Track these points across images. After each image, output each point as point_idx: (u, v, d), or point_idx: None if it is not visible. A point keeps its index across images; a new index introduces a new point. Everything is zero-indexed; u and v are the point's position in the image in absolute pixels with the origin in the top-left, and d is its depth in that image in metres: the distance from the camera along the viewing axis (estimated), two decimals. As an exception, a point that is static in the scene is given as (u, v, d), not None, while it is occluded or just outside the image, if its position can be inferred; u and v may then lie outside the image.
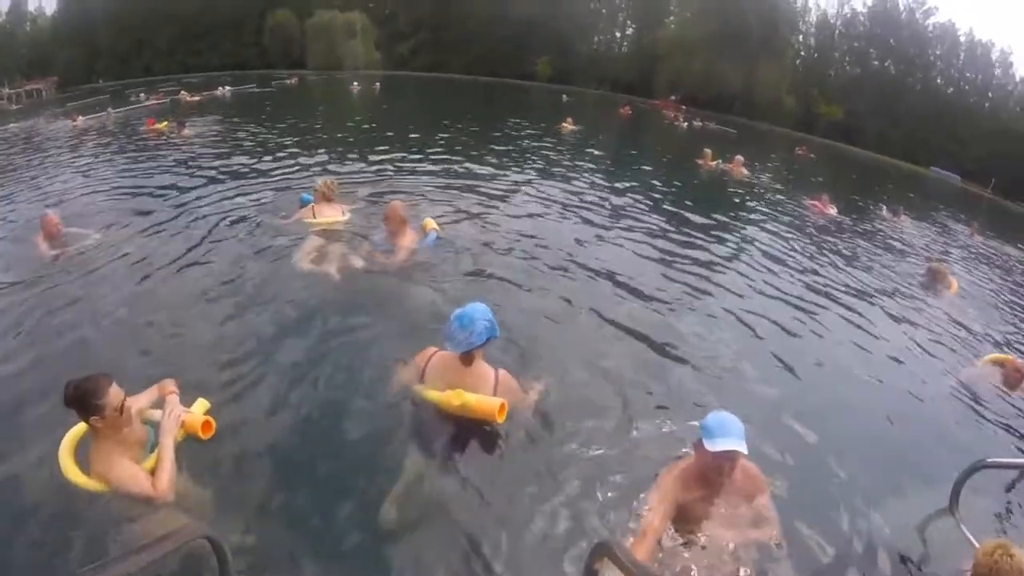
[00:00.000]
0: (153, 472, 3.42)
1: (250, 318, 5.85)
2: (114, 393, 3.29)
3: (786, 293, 8.09)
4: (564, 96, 47.87)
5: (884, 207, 18.02)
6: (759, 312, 7.11)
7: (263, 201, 10.19)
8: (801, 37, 72.05)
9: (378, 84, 46.53)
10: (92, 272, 6.92)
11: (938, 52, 66.74)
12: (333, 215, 8.35)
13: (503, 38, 74.88)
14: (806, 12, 71.52)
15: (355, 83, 44.76)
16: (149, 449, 3.57)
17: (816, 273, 9.49)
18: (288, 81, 48.38)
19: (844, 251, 11.71)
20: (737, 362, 5.77)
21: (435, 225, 7.75)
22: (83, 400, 3.22)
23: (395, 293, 6.36)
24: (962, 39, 66.45)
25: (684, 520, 3.50)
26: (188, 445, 3.69)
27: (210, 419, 3.76)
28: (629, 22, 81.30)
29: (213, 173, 12.53)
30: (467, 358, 4.18)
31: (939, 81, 66.45)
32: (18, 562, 3.31)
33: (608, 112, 41.34)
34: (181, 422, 3.67)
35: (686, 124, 39.25)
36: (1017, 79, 65.19)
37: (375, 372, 4.87)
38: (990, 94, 65.00)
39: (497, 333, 4.22)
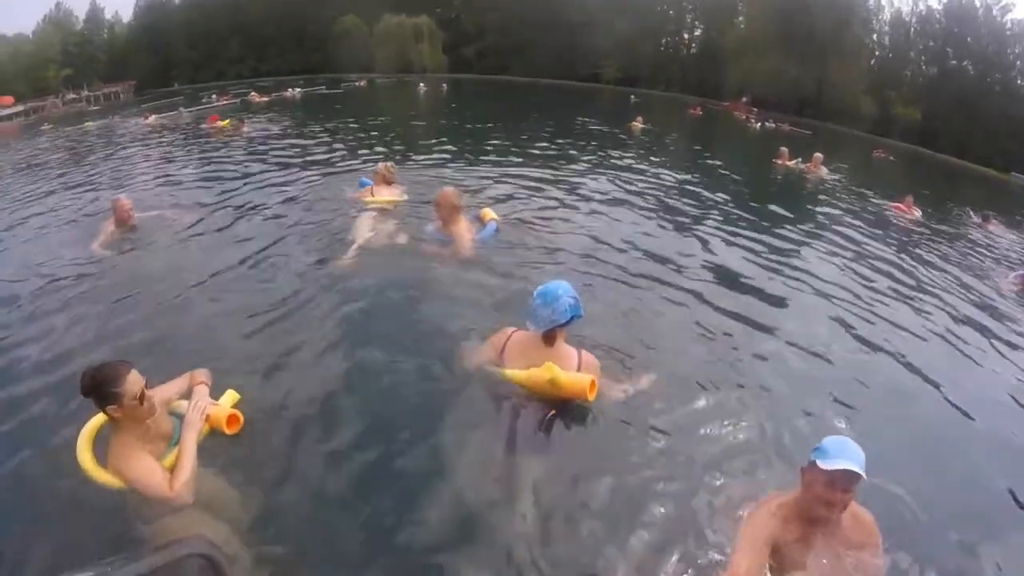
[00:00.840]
0: (172, 470, 3.20)
1: (302, 299, 5.62)
2: (133, 381, 3.07)
3: (875, 305, 7.24)
4: (632, 97, 47.51)
5: (972, 212, 17.00)
6: (842, 325, 6.37)
7: (323, 187, 10.34)
8: (875, 36, 69.15)
9: (445, 85, 46.87)
10: (157, 256, 6.99)
11: (1017, 51, 62.10)
12: (391, 195, 8.40)
13: (568, 41, 74.64)
14: (879, 10, 68.44)
15: (422, 84, 45.10)
16: (174, 444, 3.35)
17: (907, 282, 8.62)
18: (357, 83, 49.18)
19: (934, 258, 10.78)
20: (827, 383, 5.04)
21: (494, 215, 7.25)
22: (100, 388, 3.01)
23: (452, 278, 5.96)
24: None
25: (776, 567, 2.91)
26: (223, 441, 3.50)
27: (237, 412, 3.55)
28: (697, 23, 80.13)
29: (275, 165, 13.05)
30: (550, 338, 3.94)
31: (1020, 82, 61.64)
32: (14, 556, 3.10)
33: (678, 113, 41.04)
34: (206, 416, 3.46)
35: (759, 125, 38.60)
36: None
37: (439, 354, 4.54)
38: None
39: (582, 312, 3.98)
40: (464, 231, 6.69)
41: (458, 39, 78.34)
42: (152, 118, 24.44)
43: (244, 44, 79.50)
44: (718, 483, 3.61)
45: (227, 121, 19.71)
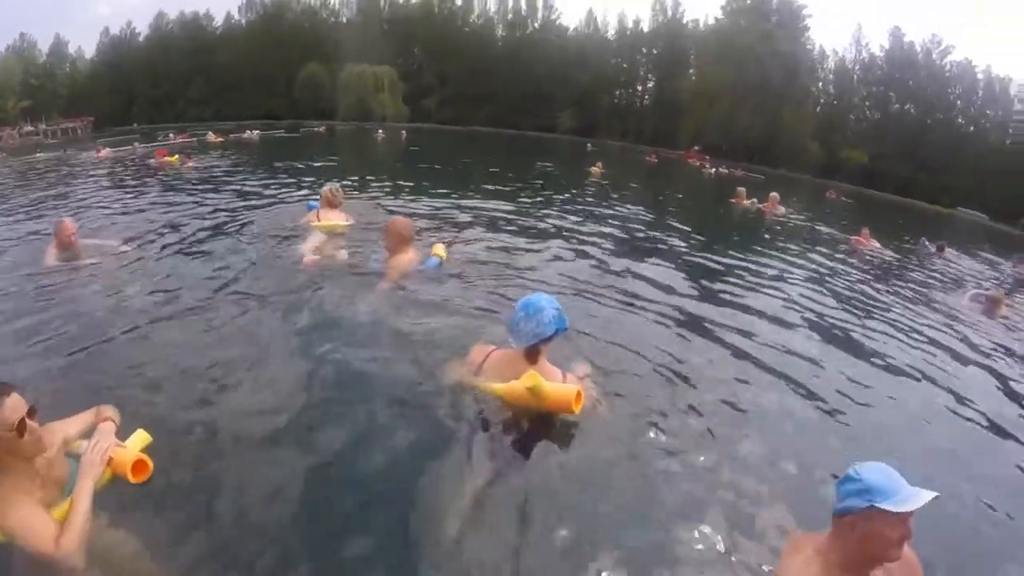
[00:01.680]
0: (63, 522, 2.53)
1: (239, 328, 5.00)
2: (10, 407, 2.43)
3: (847, 331, 6.90)
4: (588, 145, 48.21)
5: (927, 242, 17.11)
6: (819, 355, 5.86)
7: (271, 215, 10.00)
8: (820, 84, 71.50)
9: (404, 132, 46.69)
10: (94, 282, 6.34)
11: (958, 91, 64.87)
12: (336, 219, 8.14)
13: (526, 92, 76.14)
14: (824, 59, 70.94)
15: (380, 131, 45.07)
16: (69, 491, 2.66)
17: (875, 308, 8.35)
18: (316, 129, 48.81)
19: (898, 285, 10.77)
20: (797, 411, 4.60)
21: (443, 252, 6.60)
22: None
23: (374, 306, 5.44)
24: (980, 76, 64.55)
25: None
26: (129, 489, 2.80)
27: (145, 458, 2.81)
28: (650, 75, 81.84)
29: (224, 197, 12.67)
30: (532, 354, 3.60)
31: (960, 120, 64.55)
32: None
33: (634, 161, 41.32)
34: (108, 459, 2.76)
35: (713, 171, 38.99)
36: None
37: (400, 374, 4.17)
38: (1011, 130, 62.65)
39: (566, 325, 3.66)
40: (403, 261, 6.18)
41: (419, 90, 79.03)
42: (105, 151, 24.09)
43: (206, 86, 79.71)
44: (709, 512, 3.17)
45: (175, 156, 19.47)
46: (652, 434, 3.80)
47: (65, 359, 4.43)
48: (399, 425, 3.63)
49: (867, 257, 13.21)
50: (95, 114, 65.87)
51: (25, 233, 8.99)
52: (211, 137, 33.82)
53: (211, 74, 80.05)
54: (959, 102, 65.24)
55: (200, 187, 14.31)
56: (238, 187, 14.43)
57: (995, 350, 7.34)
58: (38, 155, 27.36)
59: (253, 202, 11.83)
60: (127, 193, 13.83)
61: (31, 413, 2.49)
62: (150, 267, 6.87)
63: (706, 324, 6.11)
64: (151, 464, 2.80)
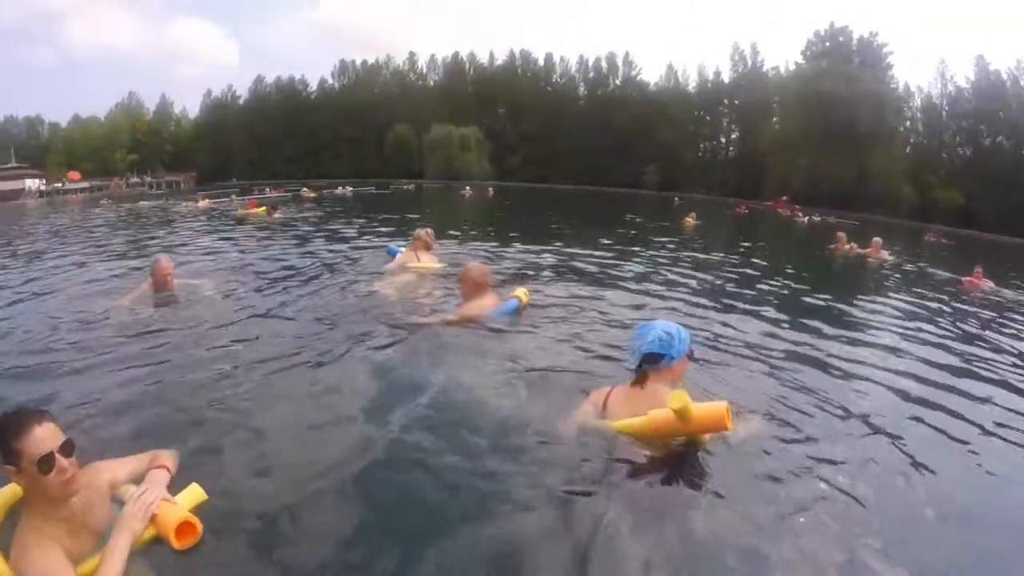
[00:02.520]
0: None
1: (326, 384, 4.56)
2: (40, 437, 2.16)
3: (969, 383, 5.78)
4: (676, 199, 47.70)
5: None
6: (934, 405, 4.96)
7: (361, 261, 10.10)
8: (908, 123, 69.21)
9: (491, 189, 47.26)
10: (188, 322, 6.15)
11: None
12: (430, 261, 8.27)
13: (609, 148, 76.58)
14: (909, 96, 68.73)
15: (467, 188, 45.64)
16: (104, 542, 2.31)
17: (998, 355, 7.18)
18: (406, 187, 50.00)
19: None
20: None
21: (524, 295, 6.20)
22: None
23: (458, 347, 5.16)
24: None
25: None
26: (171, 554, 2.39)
27: (193, 519, 2.42)
28: (734, 126, 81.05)
29: (314, 245, 12.96)
30: (640, 379, 3.43)
31: None
32: None
33: (723, 212, 40.63)
34: (151, 514, 2.39)
35: (806, 219, 37.90)
36: None
37: (504, 424, 3.73)
38: None
39: (675, 352, 3.41)
40: (475, 307, 5.87)
41: (504, 149, 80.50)
42: (204, 202, 25.70)
43: (300, 146, 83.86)
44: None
45: (262, 208, 20.23)
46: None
47: (139, 396, 4.17)
48: (518, 483, 3.09)
49: (982, 299, 12.12)
50: (196, 170, 69.94)
51: (127, 269, 9.41)
52: (305, 192, 35.02)
53: (305, 135, 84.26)
54: None
55: (292, 236, 14.71)
56: (329, 235, 14.92)
57: None
58: (142, 203, 29.71)
59: (342, 248, 12.10)
60: (220, 240, 14.33)
61: (66, 448, 2.18)
62: (240, 311, 6.66)
63: (822, 371, 5.46)
64: (200, 528, 2.39)
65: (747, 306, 8.44)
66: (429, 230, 8.78)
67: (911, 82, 73.55)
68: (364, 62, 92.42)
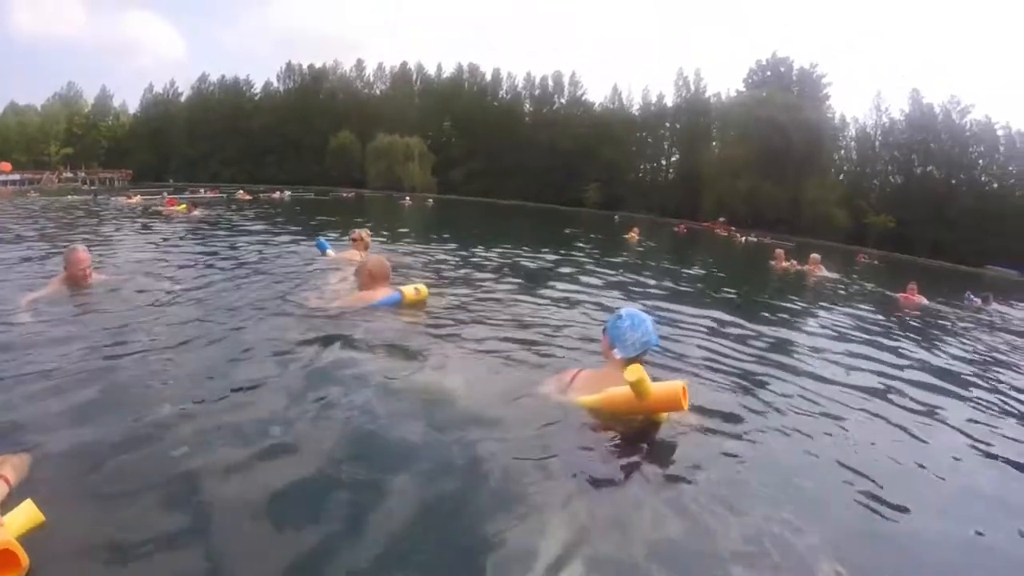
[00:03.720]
0: None
1: (251, 364, 4.13)
2: None
3: (915, 393, 5.43)
4: (616, 217, 47.96)
5: (971, 296, 16.40)
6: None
7: (282, 257, 9.74)
8: (843, 151, 71.69)
9: (431, 201, 47.02)
10: (104, 319, 5.24)
11: (980, 149, 64.45)
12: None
13: (553, 166, 76.99)
14: (845, 126, 71.14)
15: (407, 198, 45.23)
16: None
17: (939, 364, 7.15)
18: (345, 194, 49.30)
19: (957, 338, 9.71)
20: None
21: (410, 291, 5.75)
22: None
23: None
24: (1000, 133, 63.87)
25: None
26: None
27: (16, 549, 1.84)
28: (674, 148, 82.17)
29: (242, 243, 12.16)
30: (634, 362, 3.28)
31: (983, 178, 64.18)
32: None
33: (663, 231, 41.02)
34: None
35: (743, 239, 39.03)
36: None
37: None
38: None
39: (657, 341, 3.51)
40: (366, 296, 5.65)
41: (448, 161, 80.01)
42: (136, 198, 25.22)
43: (242, 149, 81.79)
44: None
45: (183, 205, 20.27)
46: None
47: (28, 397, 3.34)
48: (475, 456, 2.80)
49: (917, 315, 12.28)
50: (133, 168, 67.66)
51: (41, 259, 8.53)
52: (241, 195, 34.45)
53: (247, 137, 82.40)
54: (981, 160, 64.82)
55: (219, 235, 14.05)
56: (258, 234, 14.34)
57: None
58: (69, 197, 28.61)
59: (271, 245, 11.62)
60: (141, 238, 13.49)
61: None
62: (159, 308, 5.77)
63: (766, 382, 5.10)
64: (25, 561, 1.83)
65: (692, 311, 8.10)
66: (366, 230, 8.64)
67: (847, 112, 75.98)
68: (311, 66, 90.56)
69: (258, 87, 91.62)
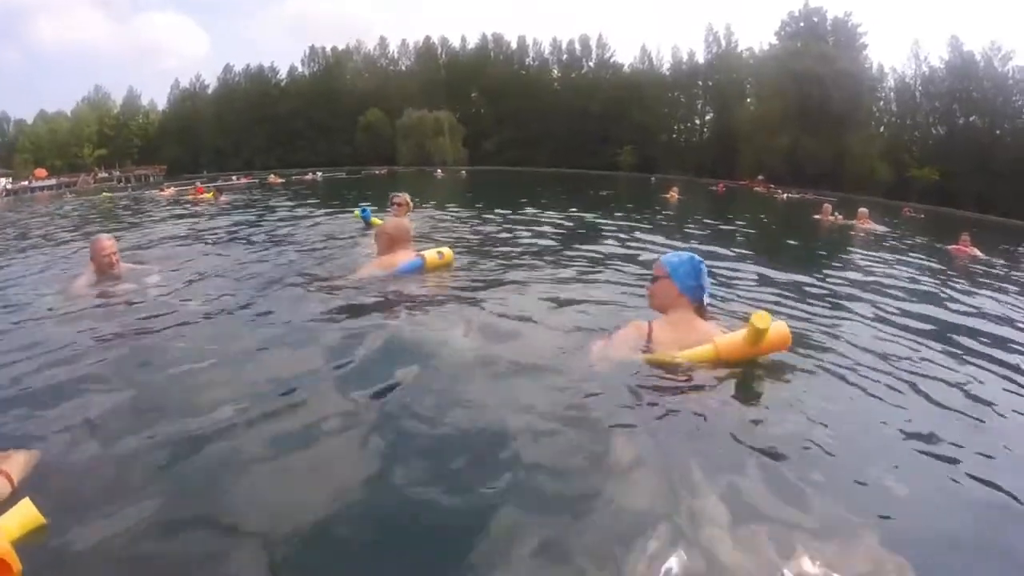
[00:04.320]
0: None
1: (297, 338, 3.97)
2: None
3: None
4: (652, 179, 47.39)
5: None
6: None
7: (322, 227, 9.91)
8: (883, 103, 69.57)
9: (464, 172, 46.76)
10: (133, 311, 5.06)
11: None
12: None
13: (585, 131, 76.43)
14: (883, 77, 68.86)
15: (439, 171, 45.31)
16: None
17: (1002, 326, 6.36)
18: (377, 172, 49.40)
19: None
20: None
21: (433, 255, 5.56)
22: None
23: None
24: None
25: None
26: None
27: (9, 554, 1.61)
28: (708, 107, 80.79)
29: (277, 223, 12.24)
30: (702, 309, 3.39)
31: None
32: None
33: (702, 191, 40.28)
34: None
35: (784, 196, 37.85)
36: None
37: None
38: None
39: None
40: (386, 262, 5.46)
41: (479, 133, 79.74)
42: (169, 190, 25.35)
43: (271, 135, 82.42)
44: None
45: (211, 192, 20.10)
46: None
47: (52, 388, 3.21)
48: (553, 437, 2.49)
49: (972, 267, 11.78)
50: (167, 162, 68.52)
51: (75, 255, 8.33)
52: (272, 179, 34.93)
53: (276, 123, 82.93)
54: None
55: (253, 217, 13.96)
56: (289, 214, 14.38)
57: None
58: (104, 194, 29.30)
59: (299, 224, 11.49)
60: (172, 225, 13.35)
61: None
62: (178, 295, 5.58)
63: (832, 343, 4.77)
64: (17, 567, 1.63)
65: (742, 266, 7.99)
66: (407, 194, 8.60)
67: (885, 63, 74.06)
68: (334, 48, 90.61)
69: (283, 73, 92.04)
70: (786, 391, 3.09)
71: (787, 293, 6.29)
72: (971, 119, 62.25)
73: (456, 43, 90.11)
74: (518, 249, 8.10)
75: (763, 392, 3.06)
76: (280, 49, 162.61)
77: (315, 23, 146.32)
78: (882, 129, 67.84)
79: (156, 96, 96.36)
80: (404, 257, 5.45)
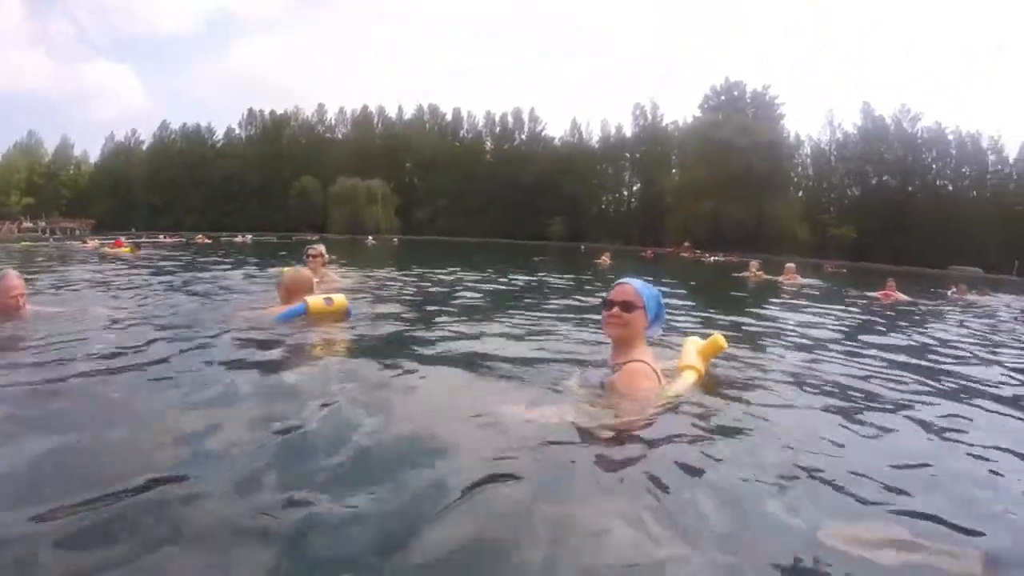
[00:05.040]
0: None
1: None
2: None
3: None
4: (582, 247, 47.69)
5: (952, 288, 17.16)
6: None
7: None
8: (800, 168, 73.62)
9: (396, 240, 46.45)
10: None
11: (933, 155, 67.44)
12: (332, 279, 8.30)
13: (517, 202, 77.52)
14: (800, 144, 73.32)
15: (371, 238, 44.88)
16: None
17: (936, 359, 6.40)
18: (310, 237, 48.30)
19: (944, 335, 8.95)
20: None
21: (323, 301, 5.32)
22: None
23: None
24: (951, 137, 67.03)
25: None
26: None
27: None
28: (635, 178, 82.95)
29: (189, 280, 11.11)
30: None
31: (938, 183, 67.18)
32: None
33: (632, 256, 40.79)
34: None
35: (711, 259, 39.03)
36: (1011, 160, 66.26)
37: None
38: (988, 182, 66.15)
39: None
40: (264, 311, 5.43)
41: (412, 202, 79.82)
42: (92, 242, 24.67)
43: (205, 196, 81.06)
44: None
45: (127, 247, 19.80)
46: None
47: None
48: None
49: (899, 311, 11.96)
50: (96, 217, 66.08)
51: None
52: (200, 239, 34.43)
53: (210, 185, 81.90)
54: (935, 165, 67.84)
55: (171, 273, 13.02)
56: (204, 271, 13.65)
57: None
58: (24, 243, 28.58)
59: (212, 279, 10.90)
60: (88, 276, 12.38)
61: None
62: (92, 338, 5.04)
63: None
64: None
65: (680, 315, 7.74)
66: (322, 245, 8.45)
67: (801, 131, 78.71)
68: (272, 112, 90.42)
69: (220, 134, 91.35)
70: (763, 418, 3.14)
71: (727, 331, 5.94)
72: (884, 178, 66.95)
73: (393, 113, 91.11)
74: (441, 309, 7.62)
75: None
76: (219, 106, 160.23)
77: (255, 83, 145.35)
78: (801, 192, 71.52)
79: (90, 147, 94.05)
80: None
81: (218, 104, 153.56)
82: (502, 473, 2.26)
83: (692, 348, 3.56)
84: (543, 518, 2.00)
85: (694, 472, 2.41)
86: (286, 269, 5.99)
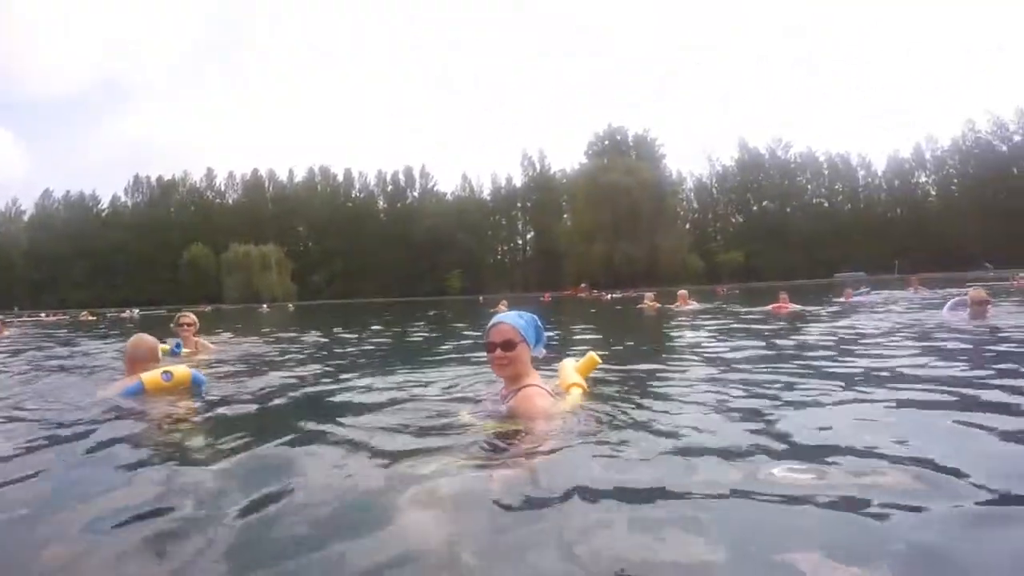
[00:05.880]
0: None
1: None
2: None
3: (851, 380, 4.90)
4: (480, 298, 47.67)
5: (848, 289, 17.91)
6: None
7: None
8: (685, 203, 77.44)
9: (292, 306, 44.98)
10: None
11: (807, 176, 73.75)
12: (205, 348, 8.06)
13: (412, 259, 77.68)
14: (683, 180, 77.47)
15: (265, 306, 43.55)
16: None
17: (846, 360, 6.16)
18: (203, 308, 46.24)
19: (842, 335, 8.80)
20: None
21: (161, 376, 4.61)
22: None
23: None
24: (822, 159, 73.11)
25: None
26: None
27: None
28: (529, 227, 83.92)
29: (32, 360, 9.69)
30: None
31: (814, 201, 73.34)
32: None
33: (532, 301, 40.54)
34: None
35: (609, 296, 39.56)
36: (879, 173, 73.18)
37: None
38: (861, 194, 72.69)
39: None
40: (118, 386, 4.77)
41: (306, 267, 78.10)
42: None
43: (90, 270, 76.86)
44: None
45: None
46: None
47: None
48: None
49: (794, 320, 11.76)
50: None
51: None
52: (84, 316, 32.86)
53: (95, 257, 77.63)
54: (810, 186, 74.21)
55: (33, 350, 11.67)
56: (78, 346, 12.23)
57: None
58: None
59: (85, 355, 9.68)
60: None
61: None
62: None
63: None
64: None
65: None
66: (191, 313, 8.26)
67: (683, 168, 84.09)
68: (160, 178, 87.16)
69: (105, 203, 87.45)
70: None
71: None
72: (764, 203, 72.45)
73: (284, 176, 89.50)
74: (340, 367, 6.94)
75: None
76: (105, 172, 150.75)
77: (140, 148, 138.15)
78: (688, 225, 75.07)
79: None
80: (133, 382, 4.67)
81: (103, 170, 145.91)
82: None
83: (570, 367, 3.70)
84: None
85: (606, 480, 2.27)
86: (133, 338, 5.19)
